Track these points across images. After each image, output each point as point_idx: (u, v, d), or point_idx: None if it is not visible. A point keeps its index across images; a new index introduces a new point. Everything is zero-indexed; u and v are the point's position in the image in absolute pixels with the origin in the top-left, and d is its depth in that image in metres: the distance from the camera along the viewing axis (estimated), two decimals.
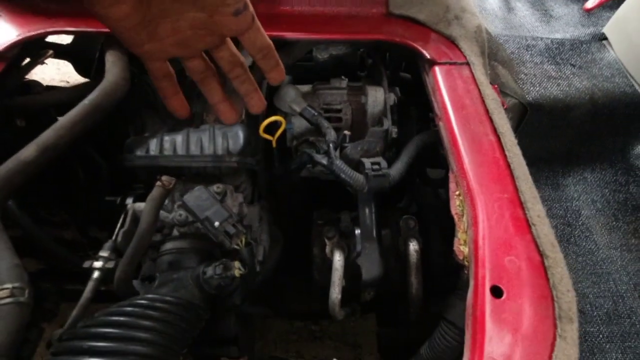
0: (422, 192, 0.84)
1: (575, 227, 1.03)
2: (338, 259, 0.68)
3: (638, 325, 0.88)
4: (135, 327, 0.46)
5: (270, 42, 0.59)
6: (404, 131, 0.82)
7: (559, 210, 1.06)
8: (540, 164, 1.14)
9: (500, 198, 0.51)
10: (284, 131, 0.77)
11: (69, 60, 0.90)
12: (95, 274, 0.55)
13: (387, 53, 0.92)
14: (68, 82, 2.10)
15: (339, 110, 0.79)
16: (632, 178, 1.13)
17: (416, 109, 0.86)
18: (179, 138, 0.66)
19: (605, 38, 1.35)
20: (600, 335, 0.87)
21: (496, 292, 0.43)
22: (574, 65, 1.22)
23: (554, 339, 0.41)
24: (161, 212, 0.62)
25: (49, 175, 0.80)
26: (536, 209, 0.50)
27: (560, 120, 1.10)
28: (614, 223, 1.04)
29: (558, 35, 1.47)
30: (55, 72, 2.12)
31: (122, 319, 0.46)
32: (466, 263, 0.49)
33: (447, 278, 0.65)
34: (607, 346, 0.85)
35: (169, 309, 0.50)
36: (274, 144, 0.76)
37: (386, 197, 0.83)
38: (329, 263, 0.71)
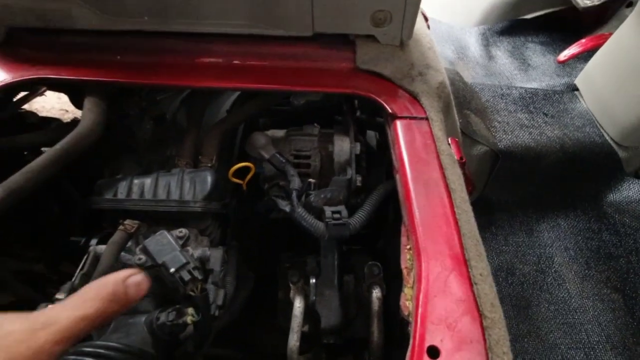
0: (393, 239, 0.85)
1: (548, 275, 1.03)
2: (298, 305, 0.68)
3: None
4: None
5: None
6: (373, 177, 0.85)
7: (532, 257, 1.07)
8: (514, 210, 1.16)
9: (445, 257, 0.52)
10: (257, 173, 0.80)
11: (65, 93, 0.94)
12: None
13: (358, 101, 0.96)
14: (67, 110, 2.17)
15: (308, 157, 0.82)
16: (605, 226, 1.15)
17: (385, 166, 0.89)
18: (147, 182, 0.68)
19: (577, 89, 1.41)
20: None
21: (432, 352, 0.44)
22: (546, 114, 1.27)
23: None
24: (124, 254, 0.63)
25: (23, 210, 0.82)
26: (480, 267, 0.51)
27: (532, 168, 1.13)
28: (587, 271, 1.05)
29: (535, 84, 1.53)
30: (55, 101, 2.20)
31: None
32: (410, 319, 0.50)
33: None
34: None
35: (118, 357, 0.50)
36: (244, 187, 0.78)
37: (362, 238, 0.84)
38: (292, 307, 0.71)
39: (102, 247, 0.64)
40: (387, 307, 0.71)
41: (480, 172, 1.05)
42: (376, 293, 0.71)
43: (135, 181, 0.69)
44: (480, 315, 0.47)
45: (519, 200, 1.17)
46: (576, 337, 0.93)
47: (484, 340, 0.45)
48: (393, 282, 0.75)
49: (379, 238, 0.94)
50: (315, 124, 0.88)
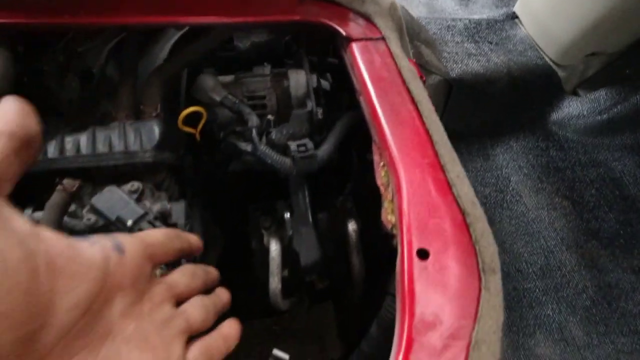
0: (361, 177, 0.83)
1: (506, 193, 1.09)
2: (274, 247, 0.65)
3: (568, 276, 0.95)
4: None
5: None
6: (334, 117, 0.82)
7: (490, 179, 1.12)
8: (470, 138, 1.19)
9: (422, 163, 0.51)
10: (210, 124, 0.73)
11: None
12: None
13: (310, 39, 0.91)
14: None
15: (263, 97, 0.76)
16: (551, 143, 1.22)
17: (348, 96, 0.86)
18: (83, 138, 0.60)
19: (517, 17, 1.45)
20: (537, 290, 0.92)
21: (422, 254, 0.43)
22: (490, 43, 1.30)
23: (480, 291, 0.41)
24: (68, 219, 0.55)
25: None
26: (455, 170, 0.51)
27: (483, 94, 1.16)
28: (540, 185, 1.12)
29: (476, 17, 1.55)
30: None
31: None
32: (394, 231, 0.49)
33: (389, 256, 0.65)
34: (544, 299, 0.91)
35: None
36: (197, 137, 0.71)
37: (328, 186, 0.81)
38: (267, 255, 0.68)
39: (39, 214, 0.55)
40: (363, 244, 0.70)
41: (436, 104, 1.05)
42: (352, 226, 0.70)
43: (68, 139, 0.59)
44: (463, 213, 0.46)
45: (474, 129, 1.20)
46: (536, 244, 1.00)
47: (469, 235, 0.45)
48: (366, 221, 0.74)
49: (347, 183, 0.93)
50: (266, 64, 0.82)
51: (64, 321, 0.24)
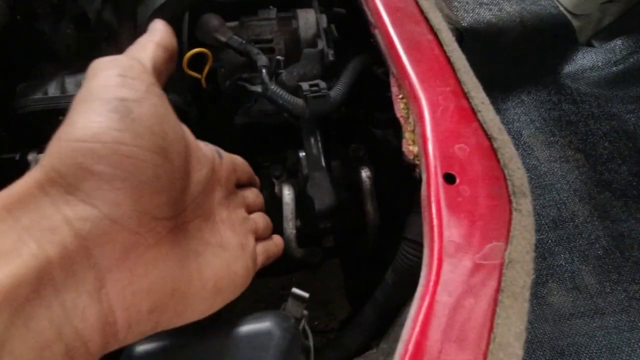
0: (370, 135, 0.81)
1: (518, 147, 1.06)
2: (287, 192, 0.63)
3: (580, 227, 0.94)
4: None
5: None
6: (344, 62, 0.78)
7: None
8: None
9: (444, 91, 0.48)
10: (214, 69, 0.70)
11: None
12: None
13: None
14: None
15: (270, 40, 0.72)
16: (564, 97, 1.19)
17: (354, 50, 0.82)
18: (83, 77, 0.57)
19: None
20: (549, 241, 0.92)
21: (449, 178, 0.41)
22: None
23: (510, 213, 0.39)
24: None
25: None
26: (480, 97, 0.48)
27: (495, 45, 1.11)
28: (552, 138, 1.09)
29: None
30: None
31: None
32: (417, 161, 0.47)
33: (402, 204, 0.63)
34: (556, 249, 0.90)
35: None
36: (203, 83, 0.68)
37: (339, 135, 0.79)
38: (279, 203, 0.66)
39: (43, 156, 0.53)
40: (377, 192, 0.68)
41: None
42: (365, 172, 0.68)
43: (68, 79, 0.57)
44: (489, 138, 0.44)
45: (485, 82, 1.15)
46: (548, 196, 0.98)
47: (497, 160, 0.43)
48: (379, 170, 0.72)
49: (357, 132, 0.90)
50: (271, 7, 0.77)
51: (193, 190, 0.31)
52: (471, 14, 1.11)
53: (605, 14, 1.23)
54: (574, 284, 0.86)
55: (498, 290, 0.34)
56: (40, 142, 0.55)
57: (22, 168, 0.54)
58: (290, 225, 0.62)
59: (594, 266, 0.88)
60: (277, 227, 0.68)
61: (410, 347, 0.31)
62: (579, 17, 1.20)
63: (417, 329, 0.33)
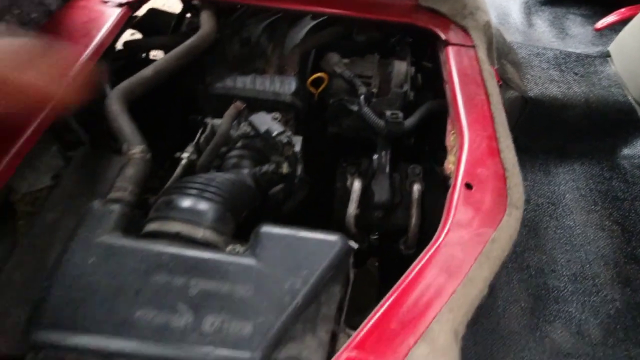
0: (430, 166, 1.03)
1: (558, 206, 1.20)
2: (357, 184, 0.88)
3: (599, 286, 1.04)
4: (209, 184, 0.66)
5: None
6: (420, 103, 1.03)
7: (546, 192, 1.24)
8: (536, 153, 1.32)
9: (482, 135, 0.71)
10: (327, 88, 0.99)
11: (138, 30, 1.14)
12: (183, 162, 0.77)
13: (412, 40, 1.13)
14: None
15: (370, 77, 1.00)
16: (616, 175, 1.29)
17: (430, 95, 1.06)
18: (248, 79, 0.89)
19: (609, 55, 1.52)
20: (566, 290, 1.04)
21: (468, 186, 0.63)
22: (576, 74, 1.40)
23: (503, 215, 0.60)
24: (233, 126, 0.84)
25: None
26: (506, 142, 0.70)
27: (557, 117, 1.28)
28: (593, 207, 1.21)
29: (568, 49, 1.64)
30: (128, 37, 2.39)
31: (200, 179, 0.66)
32: (451, 175, 0.69)
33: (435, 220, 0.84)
34: (570, 298, 1.02)
35: (232, 180, 0.70)
36: (315, 97, 0.97)
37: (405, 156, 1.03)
38: (349, 194, 0.91)
39: (217, 121, 0.85)
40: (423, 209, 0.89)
41: (509, 115, 1.21)
42: (417, 186, 0.90)
43: (238, 78, 0.89)
44: (504, 169, 0.65)
45: (541, 146, 1.32)
46: (575, 254, 1.10)
47: (505, 183, 0.64)
48: (429, 193, 0.93)
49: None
50: (375, 54, 1.06)
51: None
52: (540, 87, 1.30)
53: None
54: (579, 330, 0.97)
55: (480, 252, 0.56)
56: (220, 110, 0.86)
57: (199, 125, 0.86)
58: (353, 206, 0.86)
59: (603, 321, 0.98)
60: (342, 214, 0.92)
61: (416, 271, 0.54)
62: None
63: (423, 261, 0.55)
